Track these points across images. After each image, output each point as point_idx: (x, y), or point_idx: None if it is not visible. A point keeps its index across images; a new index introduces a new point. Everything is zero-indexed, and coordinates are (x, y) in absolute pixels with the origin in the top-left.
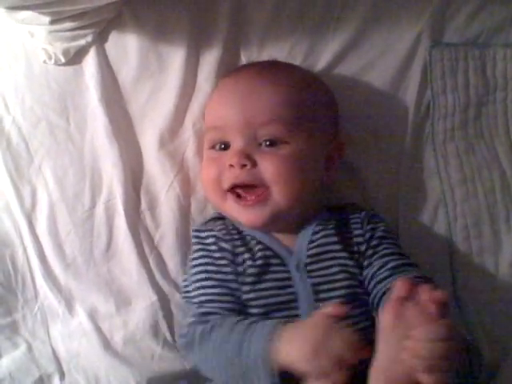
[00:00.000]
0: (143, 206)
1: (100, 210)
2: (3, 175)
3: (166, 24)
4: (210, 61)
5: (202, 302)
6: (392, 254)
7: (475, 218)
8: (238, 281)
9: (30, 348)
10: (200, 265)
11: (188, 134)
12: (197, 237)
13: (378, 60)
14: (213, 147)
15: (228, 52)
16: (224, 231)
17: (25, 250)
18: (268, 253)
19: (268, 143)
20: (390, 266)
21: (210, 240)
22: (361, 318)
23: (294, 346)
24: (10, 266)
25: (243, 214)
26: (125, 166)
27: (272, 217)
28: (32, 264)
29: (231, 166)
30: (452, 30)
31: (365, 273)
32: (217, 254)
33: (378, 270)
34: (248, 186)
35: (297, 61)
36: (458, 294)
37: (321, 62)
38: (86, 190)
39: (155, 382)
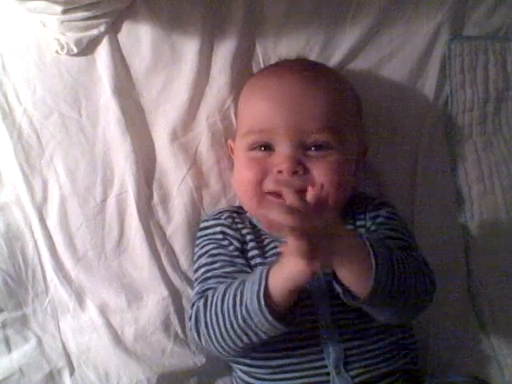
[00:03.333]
0: (155, 199)
1: (112, 203)
2: (14, 167)
3: (179, 14)
4: (224, 52)
5: (204, 279)
6: (387, 237)
7: (492, 215)
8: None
9: (40, 342)
10: (203, 246)
11: (202, 126)
12: (203, 228)
13: (396, 53)
14: (253, 150)
15: (243, 43)
16: (230, 220)
17: (35, 243)
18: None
19: (314, 148)
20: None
21: (217, 229)
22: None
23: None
24: (20, 260)
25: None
26: (137, 159)
27: None
28: (42, 257)
29: (280, 171)
30: (472, 22)
31: None
32: (223, 241)
33: None
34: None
35: (313, 53)
36: (473, 291)
37: (337, 55)
38: (97, 182)
39: (166, 379)
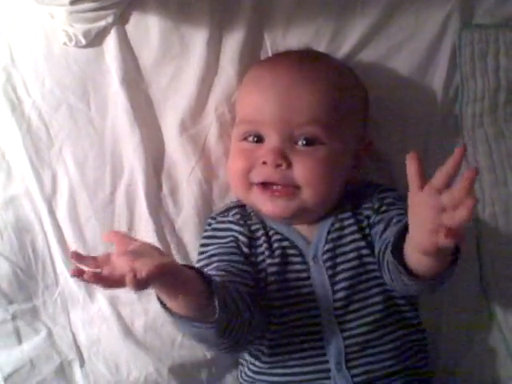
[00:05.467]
0: (164, 191)
1: (121, 195)
2: (23, 159)
3: (188, 5)
4: (232, 43)
5: None
6: (399, 214)
7: (504, 205)
8: (251, 265)
9: (50, 334)
10: (204, 245)
11: (210, 118)
12: (209, 224)
13: (406, 42)
14: (245, 139)
15: (251, 34)
16: (238, 216)
17: (45, 235)
18: (285, 243)
19: (304, 142)
20: (395, 221)
21: (224, 225)
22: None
23: None
24: (30, 252)
25: (268, 205)
26: (146, 151)
27: (296, 212)
28: (52, 249)
29: (264, 162)
30: (482, 11)
31: (372, 234)
32: (226, 239)
33: (384, 229)
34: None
35: (322, 43)
36: (484, 282)
37: (347, 45)
38: (106, 174)
39: (176, 371)
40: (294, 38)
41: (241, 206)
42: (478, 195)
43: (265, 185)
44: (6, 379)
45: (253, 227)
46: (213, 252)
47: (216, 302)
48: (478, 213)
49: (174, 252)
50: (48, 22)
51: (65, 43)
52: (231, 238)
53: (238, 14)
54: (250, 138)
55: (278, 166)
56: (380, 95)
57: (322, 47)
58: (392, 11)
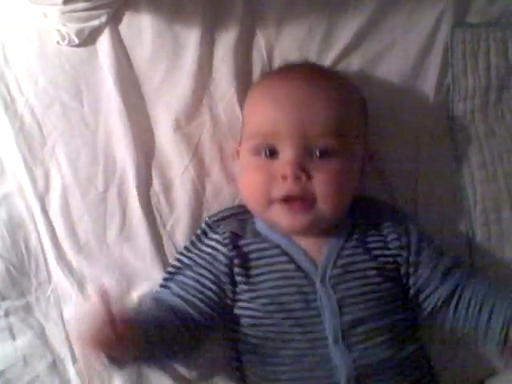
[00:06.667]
0: (157, 189)
1: (113, 193)
2: (16, 157)
3: (180, 5)
4: (225, 42)
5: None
6: (437, 257)
7: (495, 202)
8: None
9: (43, 330)
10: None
11: (204, 116)
12: (204, 231)
13: (399, 41)
14: (257, 154)
15: (244, 33)
16: (228, 239)
17: (38, 232)
18: (290, 266)
19: (319, 155)
20: (440, 270)
21: (213, 243)
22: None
23: None
24: (23, 249)
25: (287, 219)
26: (139, 149)
27: (313, 223)
28: (45, 247)
29: (284, 177)
30: (474, 10)
31: (412, 281)
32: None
33: (429, 276)
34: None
35: (315, 42)
36: None
37: (339, 43)
38: (99, 172)
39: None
40: (287, 37)
41: (237, 215)
42: (469, 192)
43: (285, 200)
44: None
45: (250, 247)
46: (188, 262)
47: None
48: (469, 209)
49: (166, 249)
50: (41, 22)
51: (58, 42)
52: (221, 263)
53: (231, 13)
54: (263, 153)
55: (298, 178)
56: (372, 93)
57: (314, 46)
58: (385, 10)
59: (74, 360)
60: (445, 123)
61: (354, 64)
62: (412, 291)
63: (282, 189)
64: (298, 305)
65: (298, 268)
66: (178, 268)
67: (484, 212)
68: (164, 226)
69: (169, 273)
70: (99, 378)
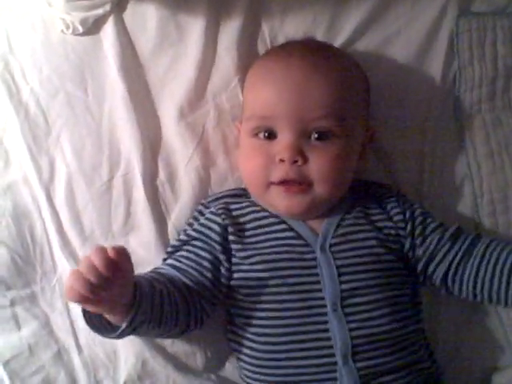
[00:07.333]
0: (162, 178)
1: (118, 182)
2: (21, 146)
3: None
4: (230, 31)
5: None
6: (440, 225)
7: (502, 192)
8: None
9: (48, 320)
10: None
11: (208, 105)
12: (199, 211)
13: (403, 30)
14: (256, 135)
15: (249, 22)
16: (222, 211)
17: (43, 222)
18: (290, 234)
19: (317, 136)
20: (448, 234)
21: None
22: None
23: None
24: (28, 238)
25: (285, 202)
26: (143, 138)
27: (311, 206)
28: (50, 236)
29: (281, 160)
30: None
31: (420, 251)
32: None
33: (438, 243)
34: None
35: (320, 30)
36: None
37: (344, 32)
38: (103, 161)
39: (171, 356)
40: (292, 26)
41: (235, 195)
42: (476, 182)
43: (283, 183)
44: (4, 365)
45: (246, 217)
46: (187, 238)
47: (125, 324)
48: (476, 200)
49: (171, 238)
50: (45, 10)
51: (62, 31)
52: (213, 231)
53: (236, 2)
54: (261, 134)
55: (295, 162)
56: (377, 83)
57: (319, 35)
58: None
59: (80, 349)
60: (451, 113)
61: (358, 53)
62: (421, 263)
63: (279, 172)
64: (297, 271)
65: (298, 236)
66: (176, 246)
67: (491, 203)
68: (169, 215)
69: (167, 252)
70: (104, 368)
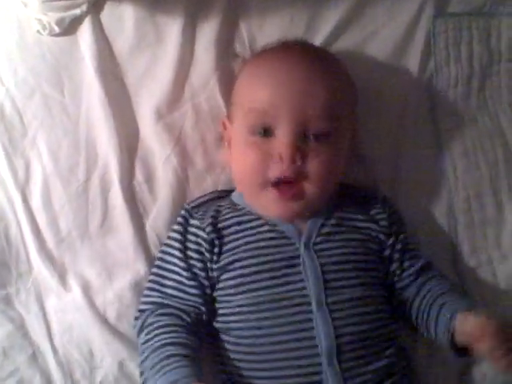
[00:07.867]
0: (140, 178)
1: (95, 183)
2: None
3: None
4: (207, 32)
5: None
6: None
7: (477, 189)
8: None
9: (23, 322)
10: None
11: (186, 106)
12: (183, 217)
13: (381, 30)
14: (252, 132)
15: (227, 23)
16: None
17: (18, 223)
18: (274, 234)
19: (315, 137)
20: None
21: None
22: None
23: None
24: (3, 240)
25: (278, 207)
26: (120, 139)
27: (303, 211)
28: (26, 238)
29: (281, 157)
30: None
31: (392, 268)
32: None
33: (407, 270)
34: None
35: (298, 31)
36: (459, 267)
37: (322, 33)
38: (80, 162)
39: None
40: (270, 26)
41: (216, 198)
42: (451, 179)
43: (278, 184)
44: None
45: (227, 222)
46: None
47: None
48: (452, 197)
49: (149, 240)
50: (21, 11)
51: (38, 32)
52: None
53: (213, 3)
54: (258, 131)
55: (293, 160)
56: (355, 82)
57: (297, 35)
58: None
59: (55, 351)
60: (427, 112)
61: (336, 53)
62: (391, 277)
63: (276, 170)
64: (282, 270)
65: (282, 236)
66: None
67: (467, 200)
68: (147, 216)
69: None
70: (80, 369)
